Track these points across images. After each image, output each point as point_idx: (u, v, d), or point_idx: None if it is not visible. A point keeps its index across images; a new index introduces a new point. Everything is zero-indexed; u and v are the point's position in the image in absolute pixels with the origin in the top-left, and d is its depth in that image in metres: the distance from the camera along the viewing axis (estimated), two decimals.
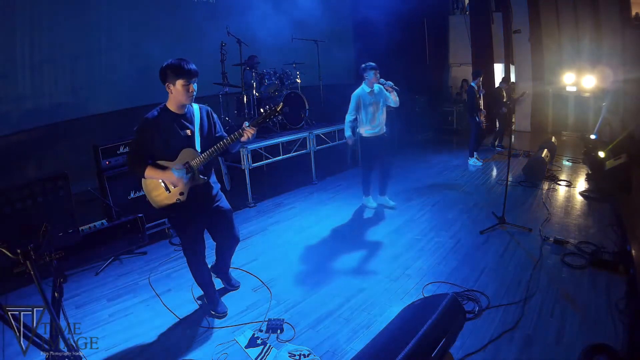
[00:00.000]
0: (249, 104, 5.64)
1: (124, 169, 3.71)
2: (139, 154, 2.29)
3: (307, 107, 5.86)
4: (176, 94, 2.23)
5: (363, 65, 4.28)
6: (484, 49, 8.89)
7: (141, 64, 5.54)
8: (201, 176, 2.41)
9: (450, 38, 10.00)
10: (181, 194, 2.36)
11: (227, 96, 5.89)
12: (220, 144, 2.35)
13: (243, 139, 2.37)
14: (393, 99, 4.30)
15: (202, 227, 2.60)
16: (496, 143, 7.51)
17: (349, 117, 4.34)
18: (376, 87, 4.31)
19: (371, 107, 4.29)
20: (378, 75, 4.24)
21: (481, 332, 2.39)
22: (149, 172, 2.27)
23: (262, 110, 2.42)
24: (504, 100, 6.89)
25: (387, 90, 4.27)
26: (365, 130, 4.36)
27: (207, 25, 6.25)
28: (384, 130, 4.47)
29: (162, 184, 2.36)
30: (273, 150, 5.32)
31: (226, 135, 2.54)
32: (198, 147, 2.36)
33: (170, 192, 2.36)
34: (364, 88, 4.31)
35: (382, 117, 4.41)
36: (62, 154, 4.90)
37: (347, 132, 4.37)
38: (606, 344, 2.16)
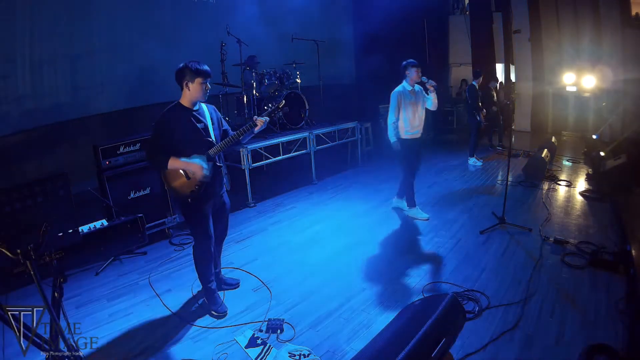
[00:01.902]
0: (249, 104, 5.64)
1: (124, 169, 3.72)
2: (159, 147, 2.43)
3: (307, 107, 5.86)
4: (193, 91, 2.45)
5: (404, 63, 4.05)
6: (484, 49, 8.89)
7: (141, 64, 5.54)
8: (217, 164, 2.61)
9: (450, 38, 10.00)
10: (199, 182, 2.48)
11: (227, 96, 5.89)
12: (235, 134, 2.56)
13: (257, 129, 2.60)
14: (433, 100, 4.05)
15: (210, 217, 2.69)
16: (496, 143, 7.51)
17: (392, 119, 4.04)
18: (416, 87, 4.12)
19: (412, 106, 4.05)
20: (420, 72, 4.01)
21: (481, 332, 2.39)
22: (172, 162, 2.41)
23: (265, 107, 2.60)
24: (494, 99, 6.91)
25: (428, 88, 4.01)
26: (404, 132, 4.09)
27: (207, 25, 6.26)
28: (420, 134, 4.22)
29: (182, 172, 2.49)
30: (273, 150, 5.32)
31: (229, 128, 2.79)
32: (213, 138, 2.58)
33: (190, 179, 2.49)
34: (404, 86, 4.08)
35: (422, 117, 4.18)
36: (62, 154, 4.90)
37: (393, 138, 4.04)
38: (606, 344, 2.16)
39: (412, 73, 3.99)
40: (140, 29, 5.62)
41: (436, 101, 4.07)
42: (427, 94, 4.10)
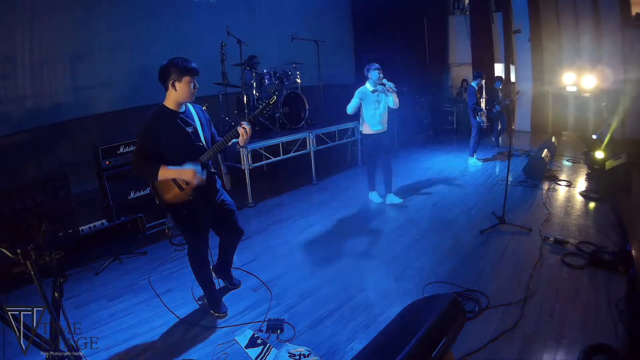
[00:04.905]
0: (249, 104, 5.64)
1: (124, 169, 3.71)
2: (148, 157, 2.25)
3: (307, 107, 5.85)
4: (180, 91, 2.26)
5: (367, 66, 4.44)
6: (484, 49, 8.90)
7: (141, 64, 5.54)
8: (210, 170, 2.48)
9: (450, 38, 10.00)
10: (193, 189, 2.35)
11: (227, 96, 5.89)
12: (223, 140, 2.38)
13: (241, 139, 2.36)
14: (394, 100, 4.45)
15: (208, 225, 2.62)
16: (500, 143, 7.51)
17: (349, 110, 4.47)
18: (379, 87, 4.46)
19: (374, 104, 4.43)
20: (381, 75, 4.39)
21: (481, 332, 2.39)
22: (163, 172, 2.24)
23: (257, 104, 2.49)
24: (499, 99, 6.91)
25: (388, 90, 4.38)
26: (370, 127, 4.49)
27: (207, 25, 6.26)
28: (386, 128, 4.61)
29: (174, 183, 2.34)
30: (273, 150, 5.32)
31: (216, 132, 2.63)
32: (203, 141, 2.41)
33: (183, 189, 2.34)
34: (367, 86, 4.46)
35: (385, 115, 4.56)
36: (62, 154, 4.90)
37: (352, 106, 4.44)
38: (606, 344, 2.16)
39: (374, 76, 4.37)
40: (140, 28, 5.63)
41: (397, 101, 4.45)
42: (388, 95, 4.46)
